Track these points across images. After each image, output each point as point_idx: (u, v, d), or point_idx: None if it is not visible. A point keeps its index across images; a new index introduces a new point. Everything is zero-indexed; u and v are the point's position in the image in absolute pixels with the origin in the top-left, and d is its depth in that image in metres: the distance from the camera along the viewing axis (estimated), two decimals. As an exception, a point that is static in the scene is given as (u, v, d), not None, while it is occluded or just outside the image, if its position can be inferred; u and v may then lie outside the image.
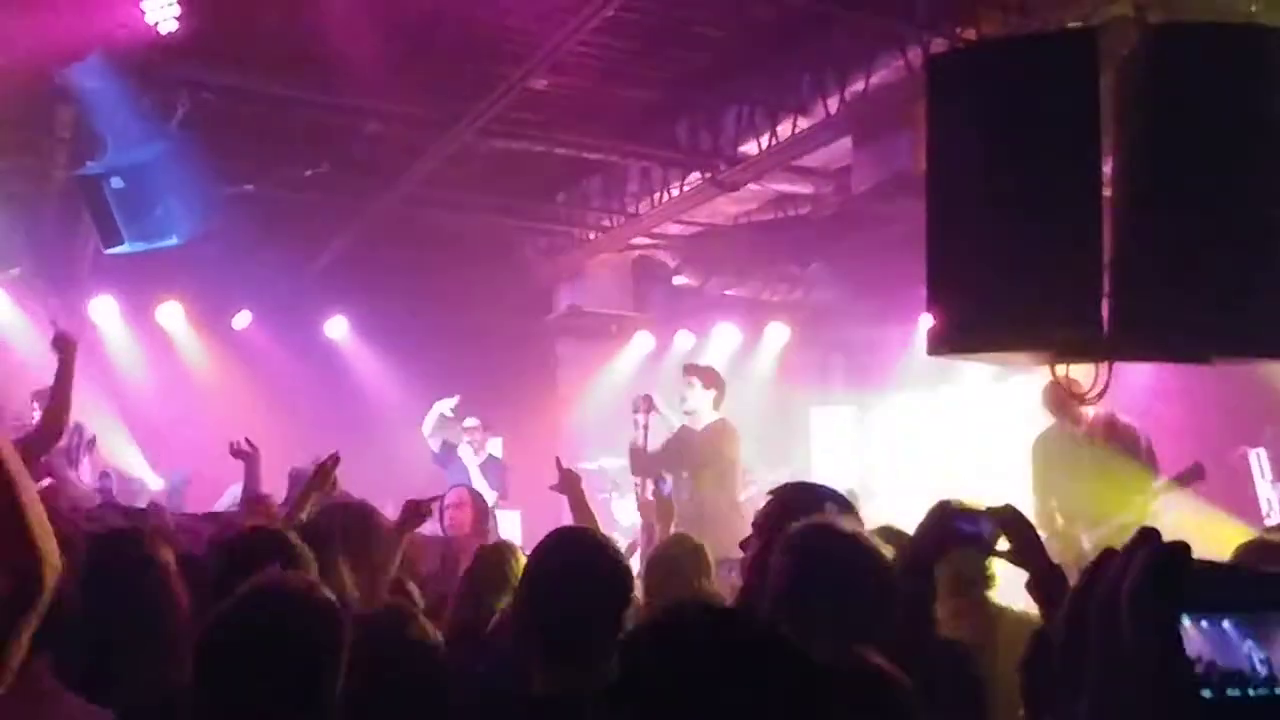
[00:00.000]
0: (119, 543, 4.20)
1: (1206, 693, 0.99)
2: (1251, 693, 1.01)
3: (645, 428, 9.98)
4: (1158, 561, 1.01)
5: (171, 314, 13.76)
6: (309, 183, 11.23)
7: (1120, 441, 9.18)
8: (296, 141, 10.77)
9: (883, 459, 15.12)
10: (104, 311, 13.43)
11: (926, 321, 5.69)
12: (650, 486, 9.95)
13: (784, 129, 10.28)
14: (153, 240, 9.44)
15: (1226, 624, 1.02)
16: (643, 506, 9.62)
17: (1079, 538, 8.90)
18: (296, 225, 12.39)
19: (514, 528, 11.76)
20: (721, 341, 16.22)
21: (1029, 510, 9.17)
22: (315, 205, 11.95)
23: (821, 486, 4.84)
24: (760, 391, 16.30)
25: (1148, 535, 1.04)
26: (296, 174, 11.07)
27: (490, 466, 12.35)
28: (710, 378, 10.53)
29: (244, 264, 11.82)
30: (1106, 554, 1.05)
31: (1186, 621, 1.01)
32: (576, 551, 3.68)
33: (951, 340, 5.30)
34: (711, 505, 9.78)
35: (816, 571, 3.49)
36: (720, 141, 11.04)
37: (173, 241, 9.49)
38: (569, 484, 7.12)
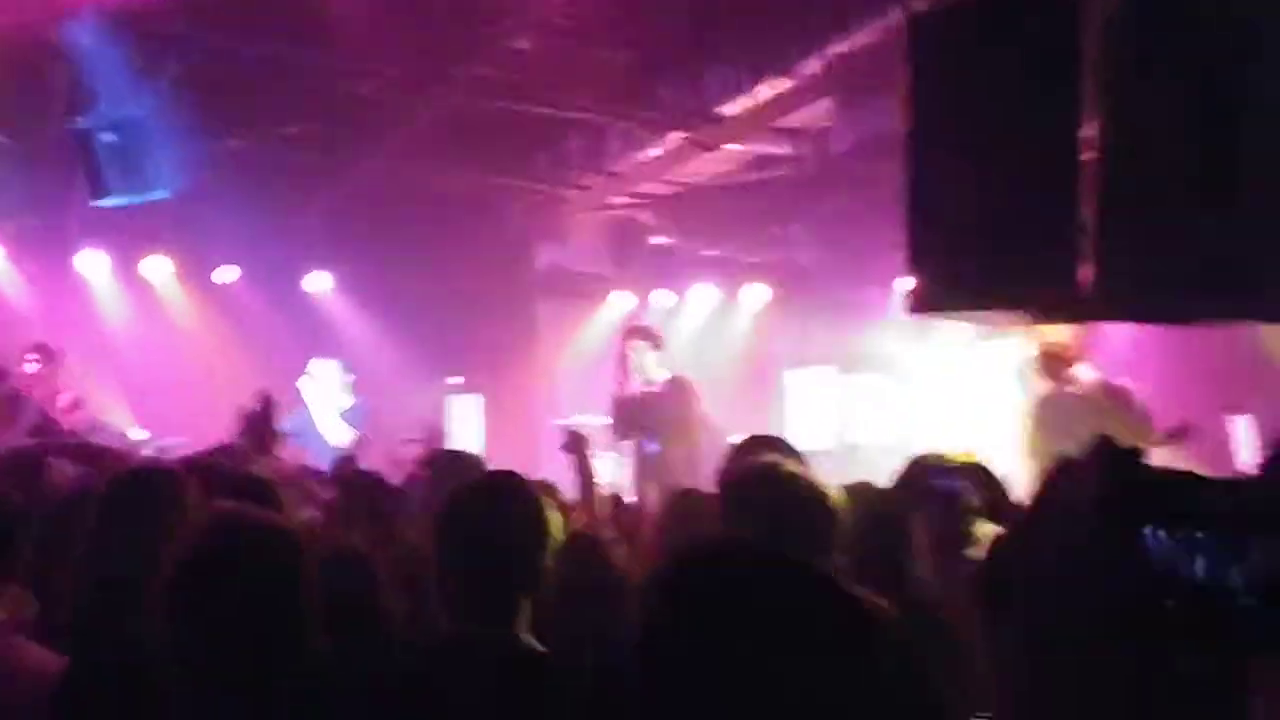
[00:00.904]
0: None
1: (1171, 603, 1.00)
2: (1219, 602, 1.01)
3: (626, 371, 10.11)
4: (1120, 471, 1.00)
5: (157, 268, 13.76)
6: (295, 140, 11.28)
7: (1115, 401, 9.24)
8: (284, 99, 10.80)
9: (861, 421, 15.18)
10: (92, 265, 13.43)
11: (905, 283, 5.73)
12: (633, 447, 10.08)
13: (765, 90, 10.32)
14: (141, 193, 9.50)
15: (1197, 535, 1.02)
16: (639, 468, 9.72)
17: None
18: (282, 182, 12.42)
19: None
20: (699, 302, 16.27)
21: (1024, 473, 9.56)
22: (301, 162, 12.00)
23: (777, 438, 4.90)
24: (738, 352, 16.38)
25: (1106, 444, 1.03)
26: (283, 131, 11.12)
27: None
28: (655, 338, 10.57)
29: (230, 220, 11.86)
30: (1064, 463, 1.01)
31: (1152, 531, 1.01)
32: (489, 498, 3.56)
33: (932, 301, 5.36)
34: (672, 459, 9.83)
35: (746, 509, 3.53)
36: (701, 102, 11.06)
37: (161, 194, 9.55)
38: (577, 444, 7.06)
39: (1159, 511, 1.00)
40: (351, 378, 11.79)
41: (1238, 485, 1.05)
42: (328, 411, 11.49)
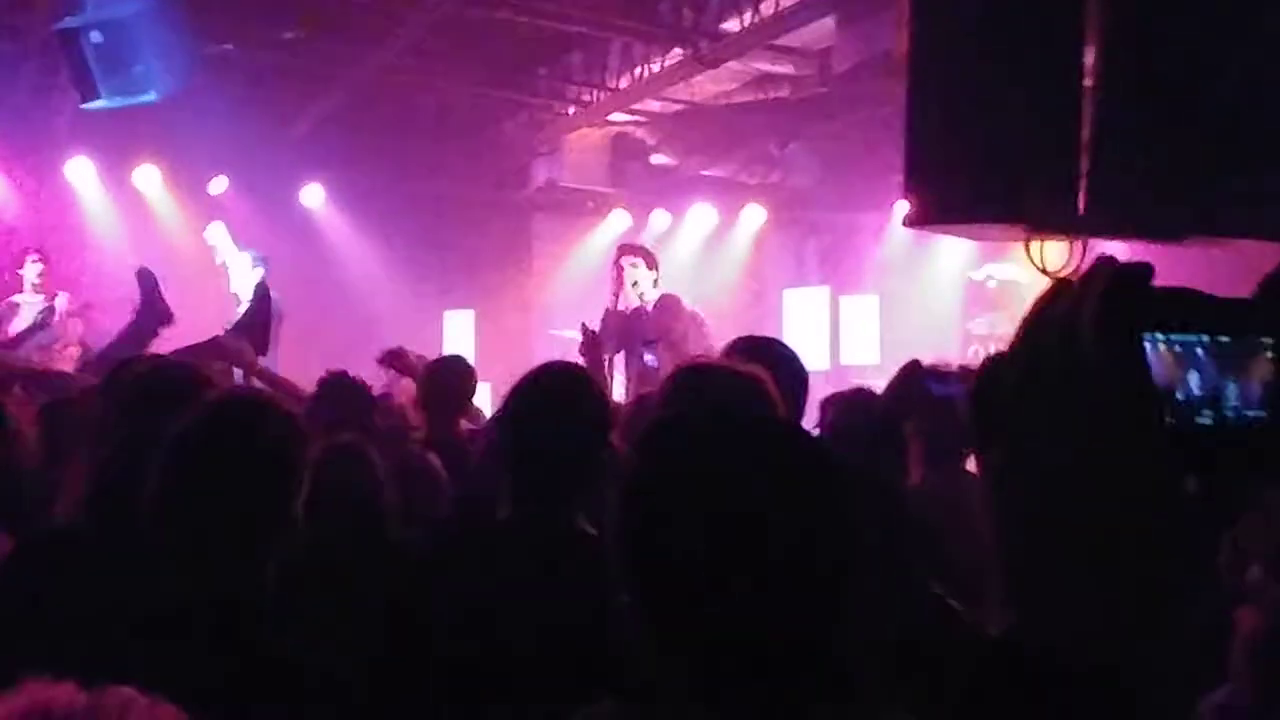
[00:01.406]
0: None
1: (1170, 419, 0.97)
2: (1220, 418, 0.99)
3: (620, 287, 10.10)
4: (1120, 280, 0.98)
5: (148, 177, 13.66)
6: (289, 46, 11.15)
7: None
8: (277, 3, 10.66)
9: (856, 342, 15.20)
10: (80, 173, 13.34)
11: (903, 208, 5.70)
12: (626, 361, 10.06)
13: (767, 6, 10.21)
14: (130, 96, 9.36)
15: (1197, 349, 0.99)
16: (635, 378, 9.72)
17: None
18: (275, 90, 12.31)
19: (485, 401, 11.79)
20: (697, 222, 16.24)
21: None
22: (294, 70, 11.87)
23: (769, 340, 4.80)
24: (735, 272, 16.38)
25: (1105, 261, 1.00)
26: (276, 36, 10.98)
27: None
28: (649, 257, 10.53)
29: (221, 128, 11.71)
30: (1061, 281, 1.01)
31: (1151, 343, 0.98)
32: (559, 386, 3.59)
33: (928, 213, 5.32)
34: (660, 376, 9.82)
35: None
36: (703, 18, 10.95)
37: (150, 98, 9.41)
38: (593, 346, 6.98)
39: (1161, 322, 0.98)
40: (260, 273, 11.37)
41: (1241, 301, 1.01)
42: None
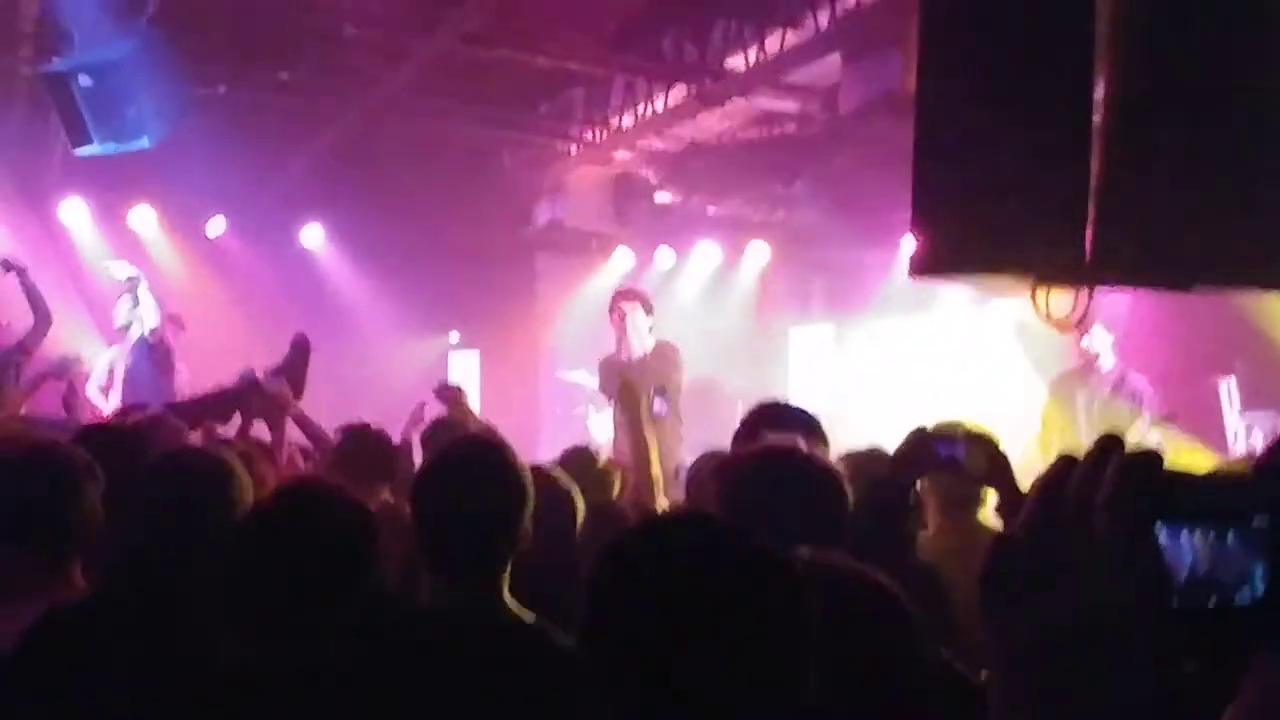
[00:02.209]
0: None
1: (1177, 602, 1.02)
2: (1223, 600, 1.03)
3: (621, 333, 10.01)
4: (1134, 469, 1.03)
5: (143, 218, 13.57)
6: (285, 86, 11.05)
7: (1126, 393, 10.16)
8: (272, 43, 10.56)
9: (861, 380, 15.11)
10: (73, 214, 13.24)
11: (909, 244, 5.64)
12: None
13: (772, 43, 10.13)
14: (123, 141, 9.22)
15: (1202, 533, 1.04)
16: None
17: None
18: (271, 129, 12.20)
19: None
20: (702, 259, 16.17)
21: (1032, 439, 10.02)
22: (291, 109, 11.77)
23: (791, 406, 4.83)
24: (740, 310, 16.33)
25: (1113, 443, 1.05)
26: (272, 77, 10.88)
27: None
28: (647, 301, 10.43)
29: (218, 168, 11.59)
30: (1065, 460, 1.06)
31: (1161, 529, 1.02)
32: (470, 462, 3.55)
33: (934, 262, 5.23)
34: (668, 422, 9.76)
35: (759, 493, 3.43)
36: (706, 55, 10.88)
37: (144, 143, 9.28)
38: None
39: (1171, 509, 1.04)
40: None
41: (1245, 481, 1.11)
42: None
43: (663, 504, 5.45)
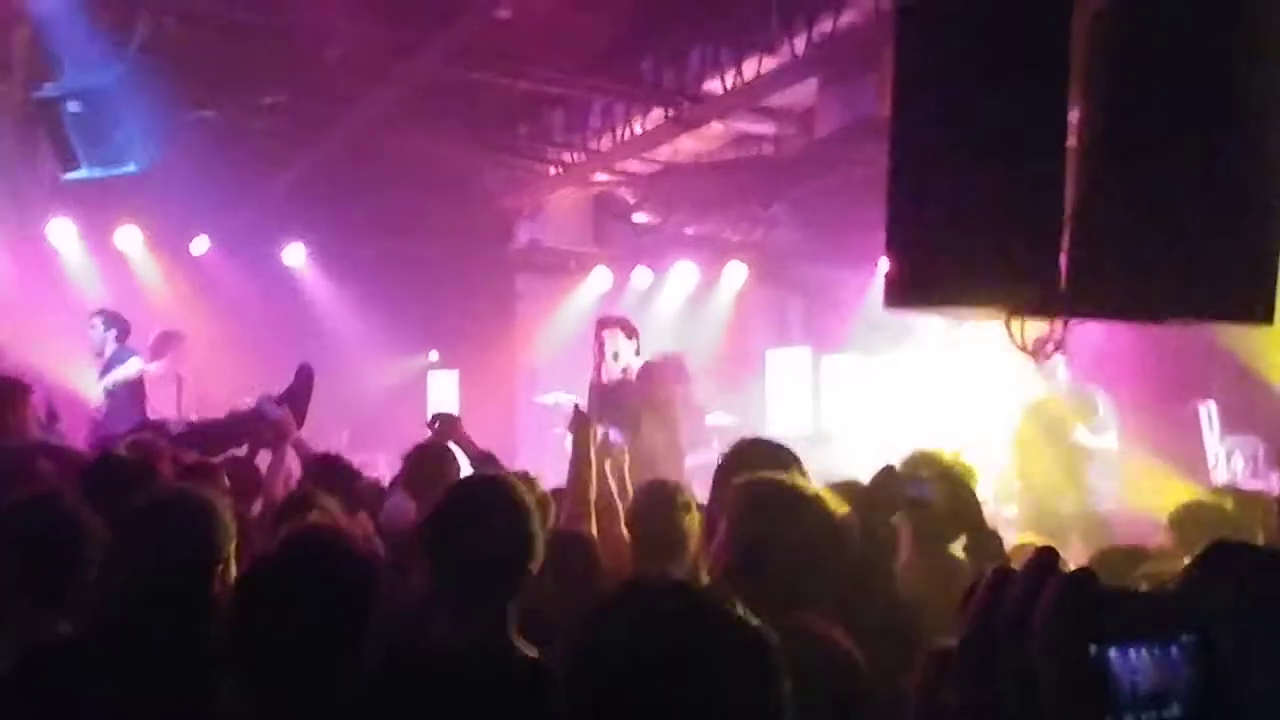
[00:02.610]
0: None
1: (1110, 718, 1.04)
2: (1156, 716, 1.06)
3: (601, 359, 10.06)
4: (1068, 594, 1.06)
5: (130, 238, 13.65)
6: (269, 109, 11.13)
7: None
8: (256, 67, 10.64)
9: (838, 402, 15.17)
10: (62, 234, 13.31)
11: (885, 269, 5.68)
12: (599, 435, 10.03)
13: (749, 68, 10.20)
14: (110, 166, 9.35)
15: (1132, 650, 1.06)
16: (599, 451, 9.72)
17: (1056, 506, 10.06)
18: (256, 151, 12.28)
19: (462, 461, 11.72)
20: (680, 279, 16.23)
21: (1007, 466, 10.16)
22: (275, 132, 11.86)
23: (773, 442, 4.87)
24: (717, 331, 16.37)
25: (1048, 563, 1.09)
26: (256, 100, 10.97)
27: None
28: (629, 327, 10.48)
29: (203, 189, 11.68)
30: (1001, 574, 1.10)
31: (1098, 651, 1.05)
32: (477, 501, 3.65)
33: (908, 293, 5.26)
34: (651, 447, 9.79)
35: (763, 531, 3.49)
36: (685, 79, 10.95)
37: (130, 169, 9.40)
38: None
39: (1106, 628, 1.07)
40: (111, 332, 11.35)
41: (1174, 595, 1.12)
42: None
43: (593, 529, 5.48)
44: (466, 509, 3.61)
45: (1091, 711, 1.03)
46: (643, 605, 2.16)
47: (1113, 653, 1.06)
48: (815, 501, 3.58)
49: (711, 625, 2.06)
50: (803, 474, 4.24)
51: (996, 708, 1.06)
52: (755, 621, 2.07)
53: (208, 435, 7.36)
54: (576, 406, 7.25)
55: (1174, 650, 1.07)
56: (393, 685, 3.30)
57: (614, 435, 9.42)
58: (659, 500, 5.36)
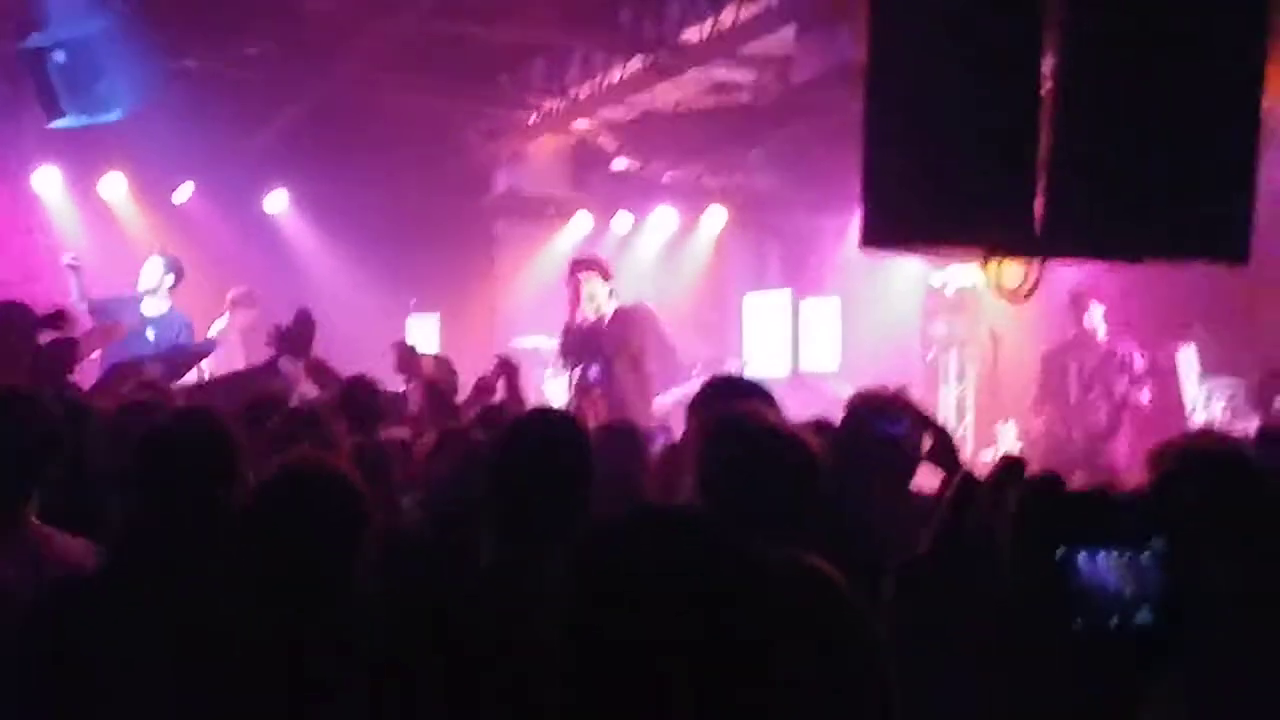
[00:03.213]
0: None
1: (1079, 621, 1.05)
2: (1124, 619, 1.06)
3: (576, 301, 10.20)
4: (1034, 496, 1.06)
5: (114, 185, 13.70)
6: (252, 60, 11.18)
7: (1115, 363, 10.78)
8: (240, 18, 10.68)
9: (817, 345, 15.29)
10: (47, 182, 13.37)
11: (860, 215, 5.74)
12: (577, 374, 10.18)
13: (726, 16, 10.26)
14: (94, 114, 9.43)
15: (1101, 554, 1.07)
16: (576, 392, 9.88)
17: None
18: (239, 101, 12.31)
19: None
20: (659, 224, 16.30)
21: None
22: (258, 82, 11.87)
23: (744, 379, 4.98)
24: (696, 275, 16.47)
25: (1013, 467, 1.08)
26: (239, 51, 11.02)
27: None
28: (604, 269, 10.60)
29: (186, 137, 11.77)
30: (967, 481, 1.08)
31: (1063, 555, 1.06)
32: (546, 435, 3.81)
33: (884, 234, 5.34)
34: (623, 389, 9.93)
35: (738, 462, 3.51)
36: (663, 28, 10.95)
37: (114, 116, 9.48)
38: (505, 370, 7.34)
39: (1072, 533, 1.09)
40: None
41: (1143, 502, 1.15)
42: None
43: None
44: (532, 437, 3.84)
45: (1057, 614, 1.05)
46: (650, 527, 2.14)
47: (1081, 556, 1.07)
48: (785, 435, 3.59)
49: (711, 552, 2.05)
50: (775, 410, 4.24)
51: (972, 608, 1.08)
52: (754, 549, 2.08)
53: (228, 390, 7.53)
54: (501, 356, 7.55)
55: (1144, 556, 1.08)
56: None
57: (593, 373, 9.62)
58: (619, 438, 5.50)
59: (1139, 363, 10.73)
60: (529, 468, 3.65)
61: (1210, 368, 10.96)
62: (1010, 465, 1.00)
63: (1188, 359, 11.00)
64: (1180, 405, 10.93)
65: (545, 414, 4.35)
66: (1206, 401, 10.91)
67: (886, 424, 4.13)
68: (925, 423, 4.12)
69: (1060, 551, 1.02)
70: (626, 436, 5.32)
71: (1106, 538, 1.04)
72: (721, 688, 1.93)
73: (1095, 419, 10.76)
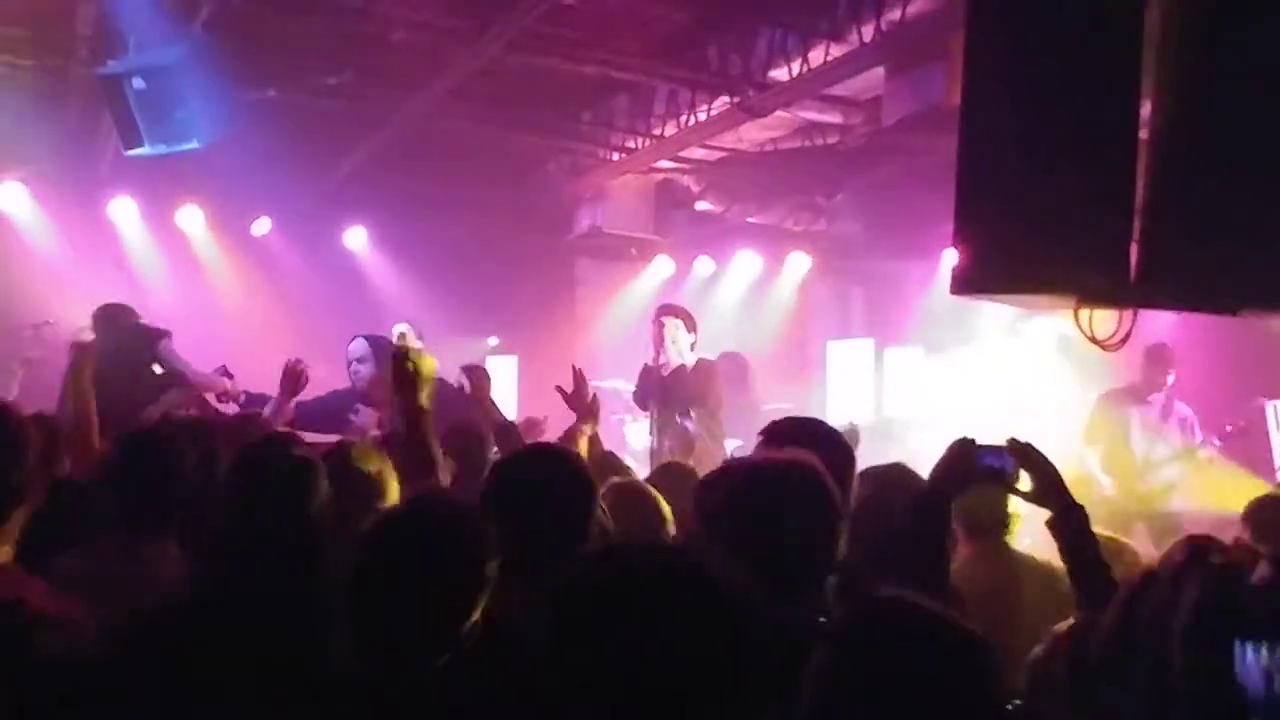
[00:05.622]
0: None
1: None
2: None
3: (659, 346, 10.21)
4: (1214, 592, 1.03)
5: (191, 218, 13.71)
6: (333, 91, 11.12)
7: (1175, 419, 10.90)
8: (321, 48, 10.65)
9: (901, 395, 15.07)
10: (123, 213, 13.38)
11: (950, 258, 5.61)
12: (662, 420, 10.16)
13: (816, 56, 10.11)
14: (173, 143, 9.38)
15: (1266, 647, 1.03)
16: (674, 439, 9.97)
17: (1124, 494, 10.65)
18: (319, 133, 12.30)
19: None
20: (741, 269, 16.18)
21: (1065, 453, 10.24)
22: (338, 113, 11.85)
23: (809, 420, 4.80)
24: (778, 322, 16.31)
25: (1200, 553, 1.06)
26: (320, 81, 10.96)
27: None
28: (690, 319, 10.66)
29: (265, 170, 11.72)
30: (1149, 574, 1.06)
31: (1242, 650, 1.01)
32: (540, 469, 3.87)
33: (975, 280, 5.19)
34: (700, 441, 9.94)
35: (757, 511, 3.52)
36: (750, 66, 10.84)
37: (193, 145, 9.43)
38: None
39: (1253, 627, 0.97)
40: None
41: None
42: None
43: None
44: (528, 469, 3.95)
45: (1232, 711, 1.03)
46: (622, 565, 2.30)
47: (1254, 650, 1.03)
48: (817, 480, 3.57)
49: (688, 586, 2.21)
50: (845, 451, 4.26)
51: (1145, 692, 1.07)
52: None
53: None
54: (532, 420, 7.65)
55: None
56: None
57: (690, 425, 9.66)
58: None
59: (1195, 425, 10.82)
60: (525, 503, 3.76)
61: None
62: (1200, 550, 0.91)
63: (1275, 413, 10.90)
64: (1269, 460, 10.75)
65: (539, 450, 4.50)
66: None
67: (988, 458, 3.94)
68: (1033, 463, 3.92)
69: (1239, 644, 0.93)
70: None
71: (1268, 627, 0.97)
72: None
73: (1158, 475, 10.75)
